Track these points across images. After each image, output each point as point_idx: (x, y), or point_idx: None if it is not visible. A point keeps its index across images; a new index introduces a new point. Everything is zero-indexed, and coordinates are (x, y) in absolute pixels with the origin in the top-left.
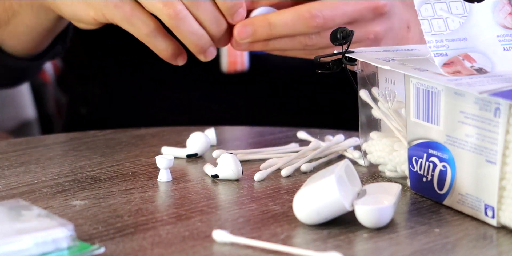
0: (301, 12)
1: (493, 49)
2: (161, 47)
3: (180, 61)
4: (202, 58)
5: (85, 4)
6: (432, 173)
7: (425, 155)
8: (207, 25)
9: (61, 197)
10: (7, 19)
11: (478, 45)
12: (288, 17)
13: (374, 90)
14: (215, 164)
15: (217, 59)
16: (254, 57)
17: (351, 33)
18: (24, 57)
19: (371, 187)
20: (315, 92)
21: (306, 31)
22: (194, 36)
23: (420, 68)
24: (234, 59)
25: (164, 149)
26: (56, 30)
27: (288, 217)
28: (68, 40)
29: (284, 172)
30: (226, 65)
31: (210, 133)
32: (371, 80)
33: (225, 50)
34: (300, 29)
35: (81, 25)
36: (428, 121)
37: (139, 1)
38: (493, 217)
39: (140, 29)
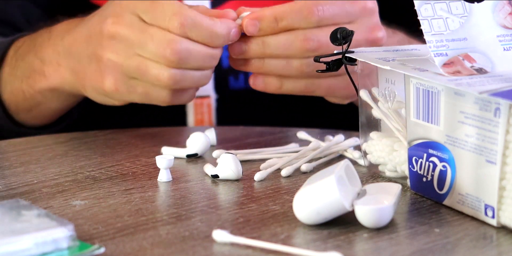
0: (297, 35)
1: (493, 49)
2: (186, 99)
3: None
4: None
5: (105, 97)
6: (432, 173)
7: (425, 155)
8: (205, 67)
9: (61, 197)
10: (29, 107)
11: (478, 45)
12: (282, 38)
13: (374, 90)
14: (215, 164)
15: (183, 115)
16: None
17: (351, 33)
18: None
19: (371, 187)
20: None
21: (299, 54)
22: (200, 80)
23: (420, 68)
24: (201, 117)
25: (164, 149)
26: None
27: (288, 217)
28: (83, 102)
29: (284, 172)
30: (192, 122)
31: (210, 133)
32: (371, 80)
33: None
34: (294, 51)
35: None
36: (428, 121)
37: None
38: (493, 217)
39: (161, 100)
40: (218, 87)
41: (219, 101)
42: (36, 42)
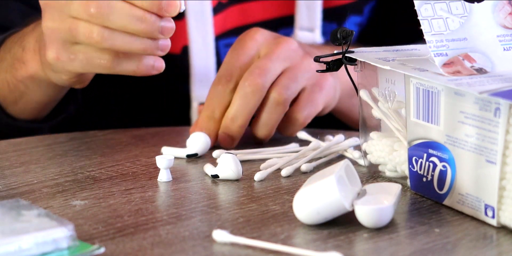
0: None
1: (493, 49)
2: (130, 68)
3: (159, 69)
4: (159, 52)
5: (50, 70)
6: (432, 173)
7: (425, 155)
8: (129, 28)
9: (61, 197)
10: (15, 99)
11: (478, 45)
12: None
13: (374, 90)
14: (215, 164)
15: (188, 121)
16: None
17: (351, 33)
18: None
19: (371, 187)
20: None
21: None
22: (131, 43)
23: (420, 68)
24: None
25: (164, 149)
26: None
27: (288, 217)
28: (79, 97)
29: (284, 172)
30: None
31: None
32: (371, 80)
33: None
34: None
35: (77, 86)
36: (428, 121)
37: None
38: (493, 217)
39: (103, 66)
40: None
41: None
42: (23, 33)
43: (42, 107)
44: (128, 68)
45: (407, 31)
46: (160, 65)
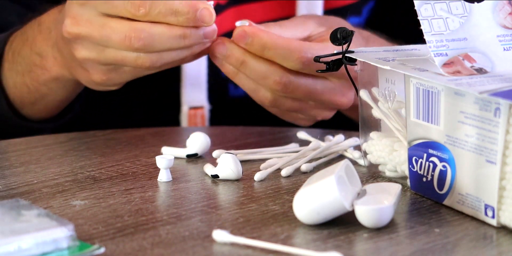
0: (275, 71)
1: (493, 49)
2: (177, 65)
3: (202, 55)
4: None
5: (100, 86)
6: (432, 173)
7: (425, 155)
8: (175, 47)
9: (61, 197)
10: (34, 100)
11: (478, 45)
12: (262, 67)
13: (374, 90)
14: (215, 164)
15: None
16: None
17: (351, 33)
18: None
19: (371, 187)
20: None
21: (268, 90)
22: (179, 55)
23: (420, 68)
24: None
25: (164, 149)
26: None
27: (288, 217)
28: (83, 94)
29: (284, 172)
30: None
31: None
32: (371, 80)
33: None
34: (264, 84)
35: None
36: (428, 121)
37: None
38: (493, 217)
39: (149, 73)
40: (215, 96)
41: (212, 112)
42: (28, 35)
43: (61, 106)
44: (173, 65)
45: (405, 32)
46: (204, 53)
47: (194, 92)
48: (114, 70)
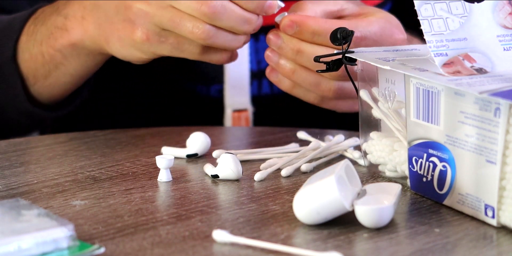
0: None
1: (493, 49)
2: (216, 58)
3: (235, 59)
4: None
5: (133, 48)
6: (432, 173)
7: (425, 155)
8: (236, 28)
9: (61, 197)
10: (47, 72)
11: (478, 45)
12: (318, 50)
13: (374, 90)
14: (215, 164)
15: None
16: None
17: (351, 33)
18: (50, 105)
19: (371, 187)
20: None
21: (329, 76)
22: (230, 41)
23: (420, 68)
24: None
25: (164, 149)
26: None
27: (288, 217)
28: (92, 81)
29: (284, 172)
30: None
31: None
32: (371, 80)
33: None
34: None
35: (141, 63)
36: (428, 121)
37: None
38: (493, 217)
39: (191, 52)
40: (259, 99)
41: (256, 114)
42: (59, 4)
43: (73, 82)
44: (212, 58)
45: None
46: (236, 54)
47: (237, 96)
48: (158, 35)
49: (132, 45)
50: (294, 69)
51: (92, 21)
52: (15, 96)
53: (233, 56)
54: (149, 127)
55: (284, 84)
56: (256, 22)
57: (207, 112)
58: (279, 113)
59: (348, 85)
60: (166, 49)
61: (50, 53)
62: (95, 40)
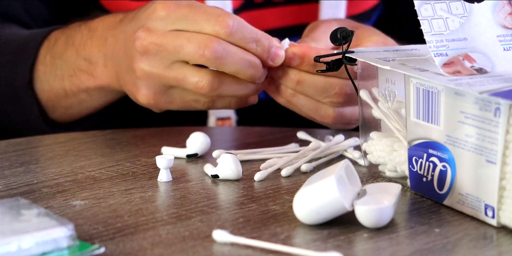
0: (333, 84)
1: (493, 49)
2: (224, 106)
3: (252, 103)
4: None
5: (151, 106)
6: (432, 173)
7: (425, 155)
8: (241, 73)
9: (61, 197)
10: (69, 105)
11: (478, 45)
12: (319, 81)
13: (374, 90)
14: (215, 164)
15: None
16: None
17: (351, 33)
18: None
19: (371, 187)
20: None
21: (329, 103)
22: (236, 90)
23: (420, 68)
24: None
25: (164, 149)
26: None
27: (288, 217)
28: None
29: (284, 172)
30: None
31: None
32: (371, 80)
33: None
34: (325, 99)
35: None
36: (428, 121)
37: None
38: (493, 217)
39: (201, 104)
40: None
41: (239, 122)
42: (74, 39)
43: (95, 111)
44: (221, 106)
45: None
46: (254, 100)
47: None
48: (165, 94)
49: (142, 105)
50: (294, 94)
51: (114, 71)
52: (32, 119)
53: (247, 101)
54: (149, 127)
55: (281, 100)
56: (261, 67)
57: (192, 119)
58: (263, 122)
59: (348, 111)
60: (173, 107)
61: (74, 91)
62: (120, 84)
